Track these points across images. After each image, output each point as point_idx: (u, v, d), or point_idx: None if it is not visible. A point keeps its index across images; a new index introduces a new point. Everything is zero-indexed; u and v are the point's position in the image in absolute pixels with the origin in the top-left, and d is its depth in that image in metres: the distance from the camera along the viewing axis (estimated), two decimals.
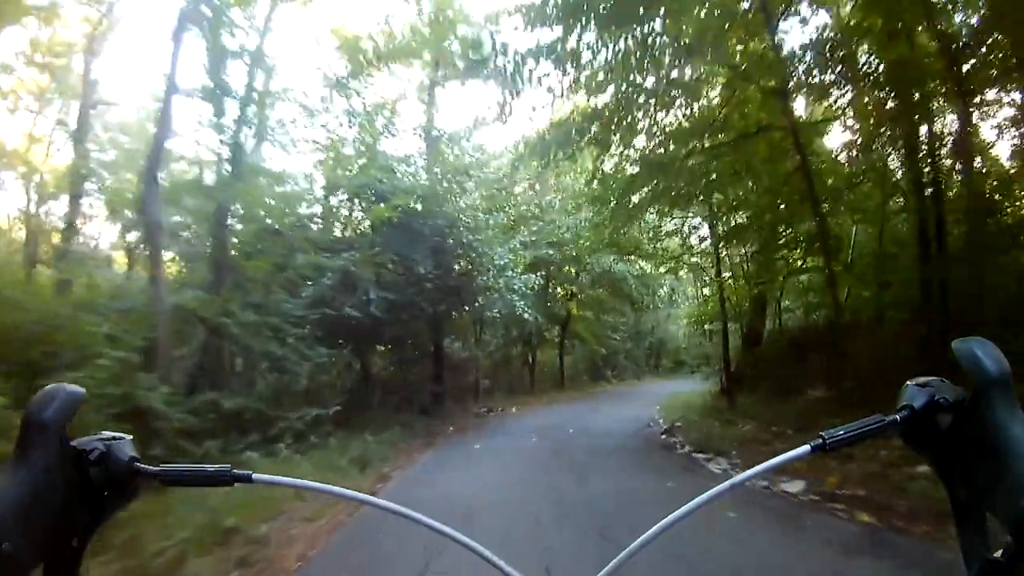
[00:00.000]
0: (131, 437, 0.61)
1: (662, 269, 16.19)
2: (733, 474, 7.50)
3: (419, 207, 12.17)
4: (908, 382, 0.60)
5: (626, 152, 9.34)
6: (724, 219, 11.70)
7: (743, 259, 13.72)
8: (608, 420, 13.44)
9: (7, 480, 0.51)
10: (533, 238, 18.53)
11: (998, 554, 0.51)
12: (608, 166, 10.06)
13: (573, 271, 22.54)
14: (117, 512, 0.60)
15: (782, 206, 9.49)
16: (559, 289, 23.10)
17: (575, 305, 23.22)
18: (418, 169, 13.64)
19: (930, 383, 0.59)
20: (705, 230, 14.02)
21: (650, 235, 13.63)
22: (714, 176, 9.31)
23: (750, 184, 9.42)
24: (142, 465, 0.59)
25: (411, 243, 12.14)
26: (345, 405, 13.56)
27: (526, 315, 15.09)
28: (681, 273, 30.03)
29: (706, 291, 32.91)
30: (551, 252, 19.21)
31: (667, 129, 8.86)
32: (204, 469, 0.61)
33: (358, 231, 13.09)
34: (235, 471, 0.60)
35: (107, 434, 0.59)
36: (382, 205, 11.21)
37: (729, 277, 13.29)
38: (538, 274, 17.66)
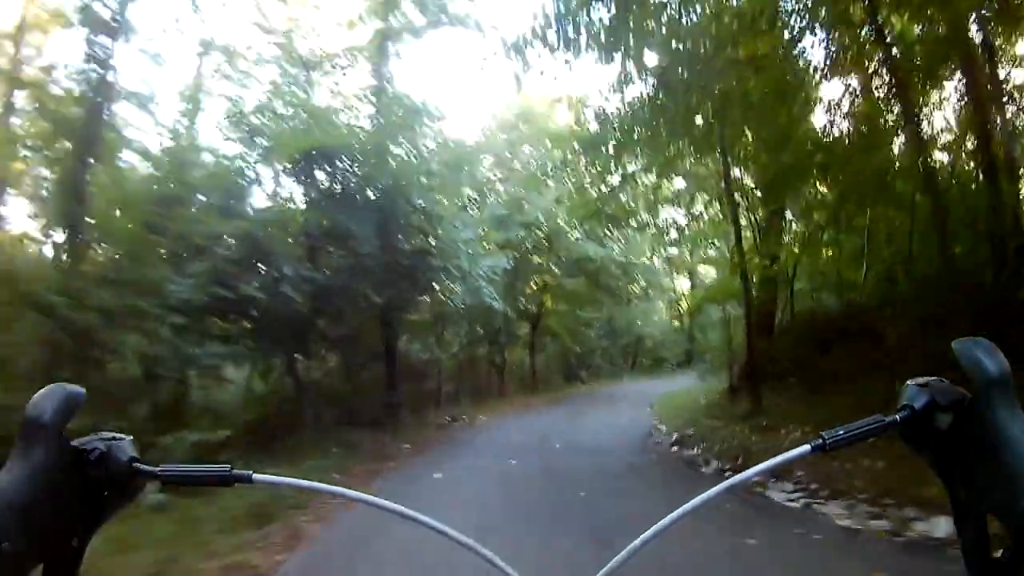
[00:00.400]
0: (131, 437, 0.59)
1: (664, 239, 13.52)
2: (823, 510, 5.09)
3: (359, 162, 9.46)
4: (908, 382, 0.59)
5: (635, 70, 6.86)
6: (750, 165, 9.30)
7: (755, 230, 11.44)
8: (599, 429, 10.99)
9: (7, 480, 0.50)
10: (505, 210, 15.92)
11: (998, 554, 0.51)
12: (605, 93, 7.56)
13: (545, 261, 20.08)
14: (117, 512, 0.59)
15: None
16: (532, 282, 20.56)
17: (549, 297, 20.72)
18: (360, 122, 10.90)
19: (930, 383, 0.58)
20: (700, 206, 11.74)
21: (649, 199, 11.15)
22: (750, 102, 6.92)
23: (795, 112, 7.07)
24: (142, 465, 0.57)
25: (349, 211, 9.45)
26: (266, 423, 11.07)
27: (494, 303, 12.49)
28: (658, 261, 28.10)
29: (679, 285, 31.53)
30: (522, 234, 16.66)
31: (691, 27, 6.42)
32: (204, 469, 0.59)
33: (279, 198, 10.27)
34: (235, 471, 0.58)
35: (107, 434, 0.57)
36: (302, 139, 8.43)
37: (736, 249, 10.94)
38: (508, 255, 15.06)
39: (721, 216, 10.88)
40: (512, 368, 21.19)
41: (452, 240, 10.35)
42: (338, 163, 9.86)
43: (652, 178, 10.18)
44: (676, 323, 32.44)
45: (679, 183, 11.22)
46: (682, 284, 31.38)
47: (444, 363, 18.64)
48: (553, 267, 20.07)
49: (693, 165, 9.64)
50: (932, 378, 0.59)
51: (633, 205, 11.07)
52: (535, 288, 20.56)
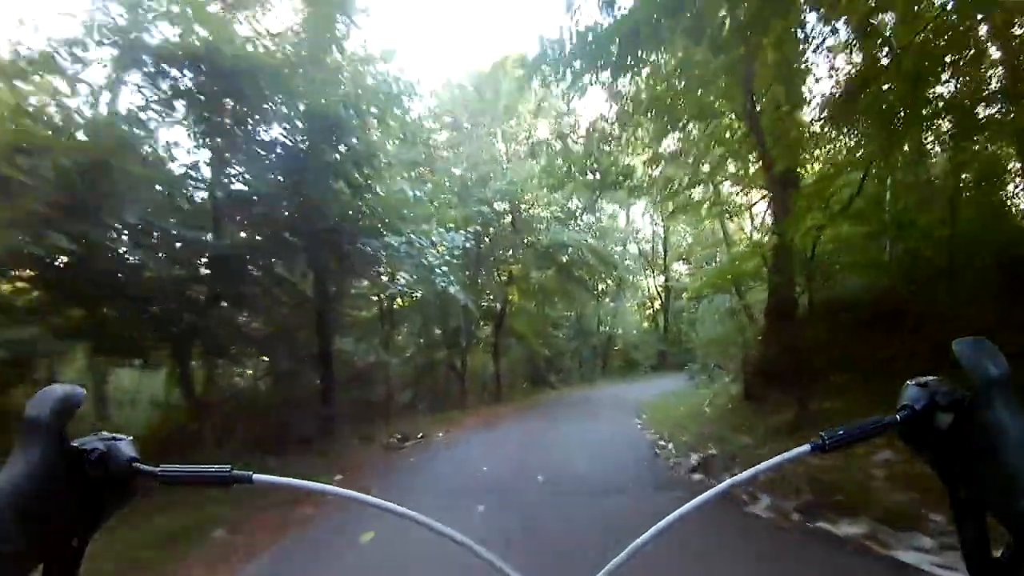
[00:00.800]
0: (131, 437, 0.59)
1: (670, 207, 10.99)
2: None
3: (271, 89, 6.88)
4: (908, 382, 0.59)
5: None
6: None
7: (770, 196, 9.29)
8: (588, 450, 8.63)
9: (7, 480, 0.50)
10: (466, 178, 13.40)
11: (998, 554, 0.51)
12: None
13: (509, 248, 17.65)
14: (117, 512, 0.58)
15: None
16: (496, 273, 18.12)
17: (515, 292, 18.31)
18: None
19: (930, 383, 0.58)
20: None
21: (648, 150, 8.82)
22: None
23: None
24: (142, 465, 0.57)
25: (253, 157, 6.87)
26: (179, 436, 8.59)
27: (451, 289, 10.00)
28: (630, 254, 26.05)
29: (651, 282, 29.35)
30: (485, 209, 14.19)
31: None
32: (204, 469, 0.58)
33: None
34: (235, 472, 0.58)
35: (107, 434, 0.58)
36: None
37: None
38: (467, 231, 12.55)
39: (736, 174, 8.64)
40: (474, 374, 18.74)
41: (395, 199, 7.78)
42: (246, 98, 7.25)
43: (651, 124, 7.86)
44: (646, 324, 30.54)
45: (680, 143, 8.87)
46: (653, 282, 29.54)
47: (397, 369, 16.23)
48: (520, 254, 17.61)
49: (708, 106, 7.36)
50: (932, 378, 0.58)
51: (627, 160, 8.74)
52: (499, 279, 18.15)
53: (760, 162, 7.69)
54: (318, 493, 0.63)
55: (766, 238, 8.60)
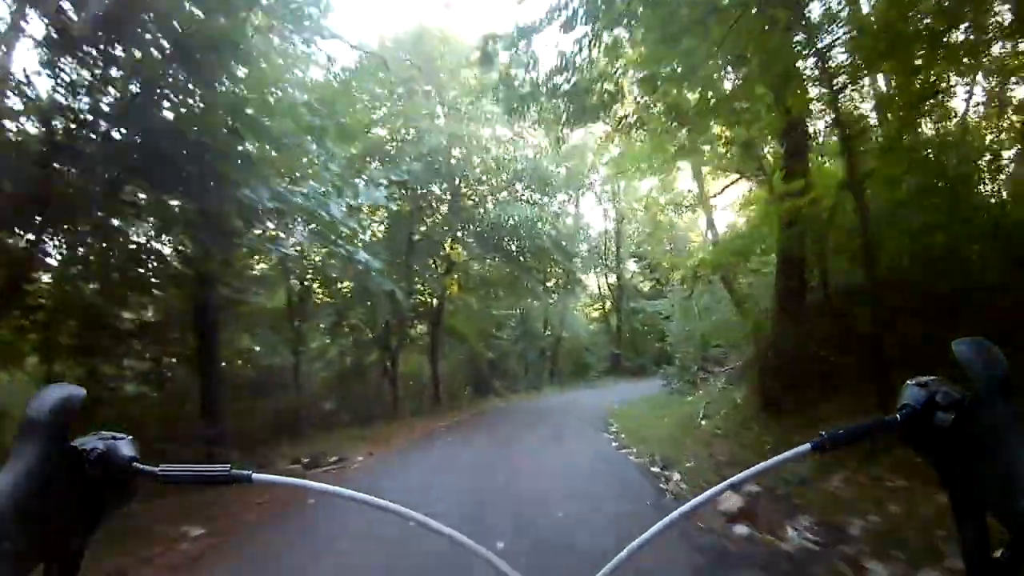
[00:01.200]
0: (131, 437, 0.58)
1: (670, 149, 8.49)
2: None
3: None
4: (908, 381, 0.58)
5: None
6: None
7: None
8: (561, 482, 6.27)
9: (7, 480, 0.49)
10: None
11: (998, 554, 0.50)
12: None
13: (443, 225, 15.08)
14: (116, 512, 0.57)
15: None
16: (432, 261, 15.53)
17: (454, 283, 15.76)
18: None
19: (930, 383, 0.56)
20: None
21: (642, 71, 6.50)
22: None
23: None
24: (141, 465, 0.56)
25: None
26: None
27: (360, 257, 7.47)
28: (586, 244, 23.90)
29: (601, 281, 27.19)
30: (416, 167, 11.59)
31: None
32: (204, 469, 0.58)
33: None
34: (234, 471, 0.57)
35: (106, 434, 0.57)
36: None
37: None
38: (391, 177, 9.92)
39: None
40: (409, 378, 16.08)
41: (277, 106, 5.13)
42: None
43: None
44: (593, 325, 28.51)
45: None
46: (605, 280, 27.61)
47: (317, 372, 13.54)
48: (460, 234, 15.06)
49: None
50: (932, 378, 0.57)
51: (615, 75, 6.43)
52: (436, 268, 15.59)
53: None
54: (318, 493, 0.62)
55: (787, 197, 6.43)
